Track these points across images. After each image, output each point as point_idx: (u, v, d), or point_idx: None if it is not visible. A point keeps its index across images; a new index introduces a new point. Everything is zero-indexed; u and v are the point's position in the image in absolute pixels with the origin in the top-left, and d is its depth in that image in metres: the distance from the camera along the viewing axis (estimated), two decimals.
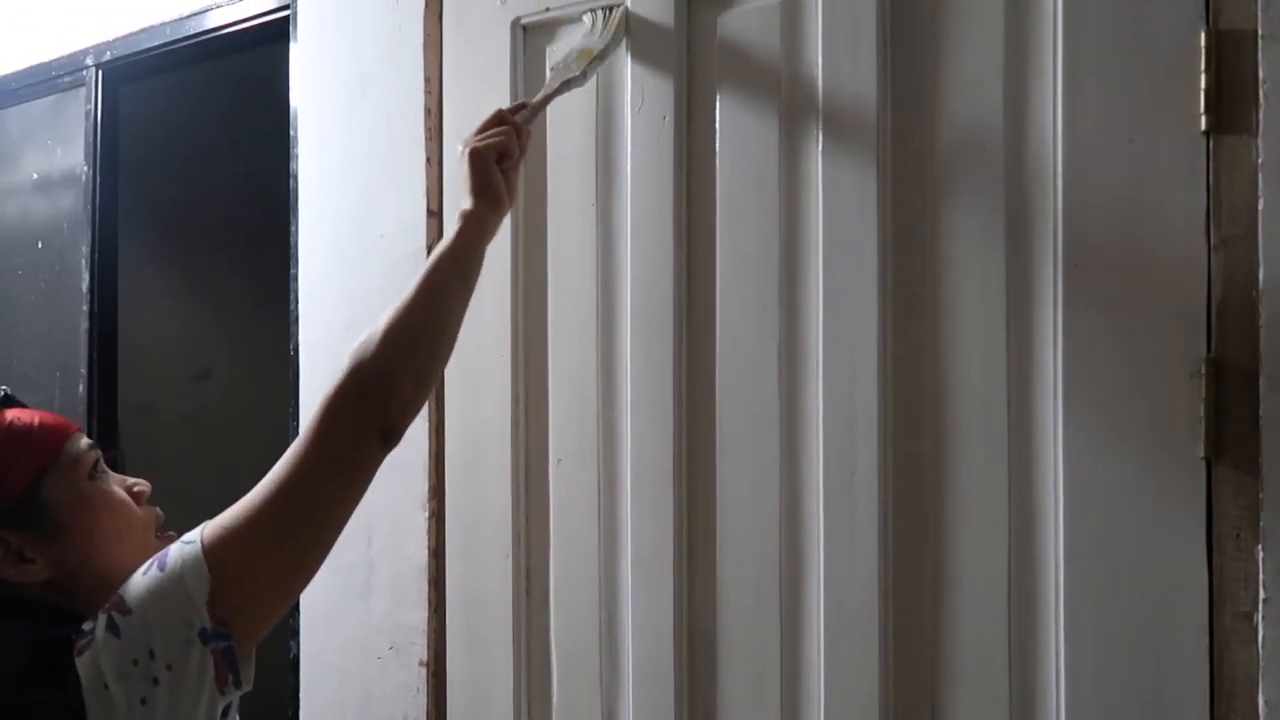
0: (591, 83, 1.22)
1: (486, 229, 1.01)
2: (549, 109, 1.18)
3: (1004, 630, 0.98)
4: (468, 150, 1.04)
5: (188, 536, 0.82)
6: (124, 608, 0.78)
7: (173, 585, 0.78)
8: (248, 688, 0.82)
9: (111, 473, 0.89)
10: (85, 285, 1.88)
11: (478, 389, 1.31)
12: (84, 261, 1.88)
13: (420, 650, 1.36)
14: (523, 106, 1.13)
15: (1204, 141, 0.91)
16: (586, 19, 1.20)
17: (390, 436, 0.88)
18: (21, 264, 2.04)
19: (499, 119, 1.07)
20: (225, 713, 0.81)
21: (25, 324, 2.04)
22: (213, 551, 0.79)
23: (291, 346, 1.52)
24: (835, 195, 1.07)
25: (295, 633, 1.50)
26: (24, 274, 2.04)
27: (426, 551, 1.36)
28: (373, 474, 0.88)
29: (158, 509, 0.93)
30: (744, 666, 1.13)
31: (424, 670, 1.36)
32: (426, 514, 1.36)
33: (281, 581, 0.84)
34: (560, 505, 1.26)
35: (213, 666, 0.78)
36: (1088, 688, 0.94)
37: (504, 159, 1.04)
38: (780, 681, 1.10)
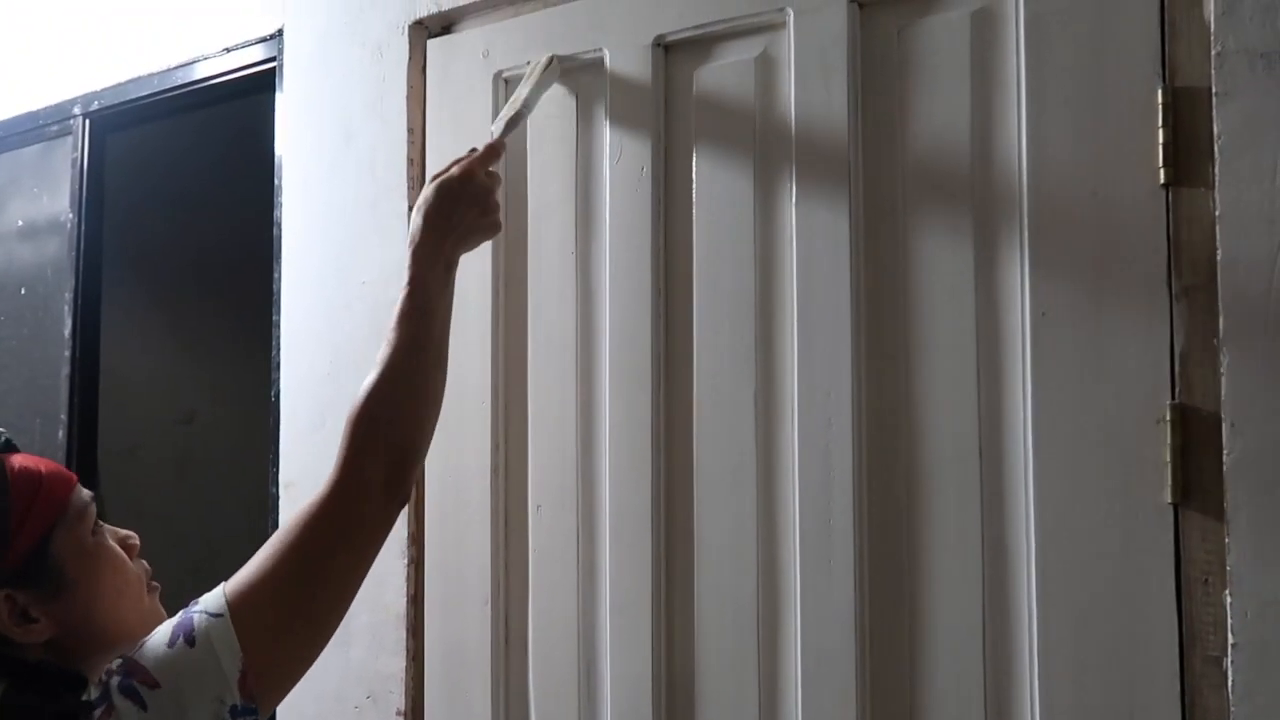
0: (571, 134, 1.25)
1: (436, 264, 1.02)
2: (531, 164, 1.20)
3: (979, 675, 0.98)
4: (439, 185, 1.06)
5: (210, 605, 0.80)
6: (149, 679, 0.76)
7: (207, 661, 0.77)
8: None
9: (106, 526, 0.87)
10: (68, 331, 1.88)
11: (458, 435, 1.31)
12: (67, 307, 1.89)
13: (398, 699, 1.35)
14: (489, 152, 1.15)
15: (1164, 194, 0.93)
16: (527, 68, 1.24)
17: (407, 499, 0.92)
18: (4, 310, 2.04)
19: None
20: None
21: (7, 370, 2.03)
22: (243, 629, 0.78)
23: (273, 392, 1.52)
24: (809, 245, 1.09)
25: None
26: (6, 320, 2.04)
27: (405, 599, 1.35)
28: (387, 535, 0.91)
29: (145, 563, 0.91)
30: (722, 715, 1.12)
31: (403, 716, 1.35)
32: (405, 561, 1.35)
33: (308, 651, 0.85)
34: (539, 552, 1.26)
35: None
36: None
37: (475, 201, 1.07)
38: None
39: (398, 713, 1.35)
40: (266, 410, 1.54)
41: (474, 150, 1.12)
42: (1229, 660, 0.87)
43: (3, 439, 0.84)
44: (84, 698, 0.76)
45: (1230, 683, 0.87)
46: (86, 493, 0.86)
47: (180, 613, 0.81)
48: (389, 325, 0.97)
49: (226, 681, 0.76)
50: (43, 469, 0.83)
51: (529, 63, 1.25)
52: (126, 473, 2.62)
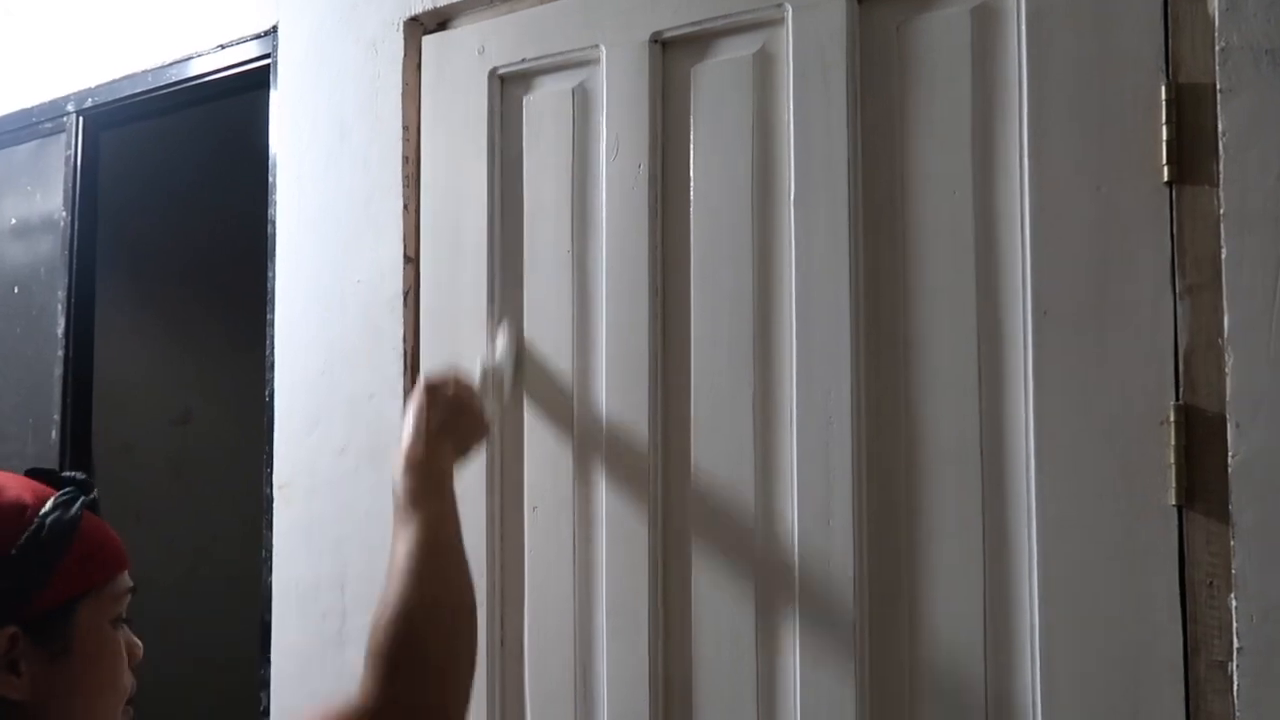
0: (567, 132, 1.24)
1: (430, 462, 0.98)
2: (527, 162, 1.19)
3: (980, 679, 0.97)
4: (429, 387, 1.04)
5: None
6: None
7: None
8: None
9: (125, 626, 0.84)
10: (60, 330, 1.87)
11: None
12: (60, 306, 1.87)
13: None
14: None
15: (1167, 192, 0.92)
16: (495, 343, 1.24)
17: None
18: None
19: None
20: None
21: (0, 368, 2.02)
22: None
23: (267, 391, 1.51)
24: (808, 243, 1.08)
25: (266, 684, 1.47)
26: None
27: None
28: None
29: (134, 680, 0.85)
30: (720, 717, 1.11)
31: None
32: None
33: None
34: (535, 554, 1.25)
35: None
36: None
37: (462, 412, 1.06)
38: None
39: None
40: (261, 410, 1.53)
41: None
42: (1234, 665, 0.86)
43: (93, 495, 0.81)
44: None
45: (1235, 688, 0.86)
46: (129, 582, 0.83)
47: None
48: (391, 546, 0.90)
49: None
50: (108, 540, 0.81)
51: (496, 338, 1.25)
52: (121, 473, 2.61)
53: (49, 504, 0.77)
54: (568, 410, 1.23)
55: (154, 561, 2.72)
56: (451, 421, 1.03)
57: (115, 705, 0.81)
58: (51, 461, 1.87)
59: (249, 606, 1.57)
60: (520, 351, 1.24)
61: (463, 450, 1.05)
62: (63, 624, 0.76)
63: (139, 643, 0.84)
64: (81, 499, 0.78)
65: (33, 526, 0.74)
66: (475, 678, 0.85)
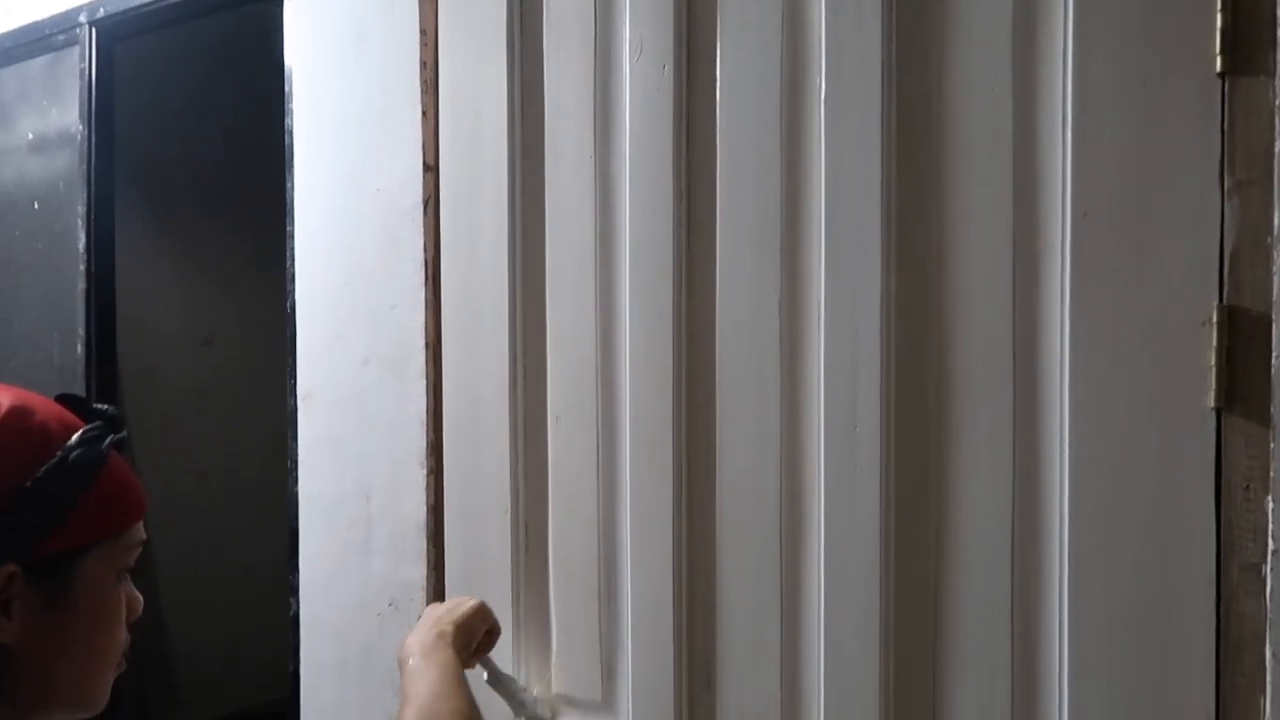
0: (589, 31, 1.20)
1: (455, 660, 0.98)
2: (548, 65, 1.15)
3: (1007, 583, 0.97)
4: (482, 603, 1.09)
5: None
6: None
7: None
8: None
9: (129, 579, 0.78)
10: (81, 245, 1.87)
11: (475, 347, 1.29)
12: (80, 221, 1.87)
13: (420, 606, 1.35)
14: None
15: (1219, 84, 0.88)
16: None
17: None
18: (19, 225, 2.03)
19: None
20: None
21: (25, 286, 2.03)
22: None
23: (289, 304, 1.50)
24: (838, 144, 1.05)
25: (295, 590, 1.50)
26: (21, 235, 2.03)
27: (425, 509, 1.35)
28: None
29: (128, 636, 0.79)
30: (744, 623, 1.12)
31: None
32: (425, 471, 1.35)
33: None
34: (558, 463, 1.25)
35: None
36: (1092, 641, 0.92)
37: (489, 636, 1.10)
38: (780, 638, 1.09)
39: (418, 618, 1.35)
40: (283, 327, 1.53)
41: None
42: (1268, 567, 0.85)
43: (122, 434, 0.75)
44: None
45: (1269, 589, 0.85)
46: (143, 534, 0.77)
47: None
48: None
49: None
50: (130, 486, 0.75)
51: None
52: (147, 395, 2.64)
53: (76, 437, 0.70)
54: (590, 319, 1.21)
55: (182, 479, 2.77)
56: (481, 636, 1.08)
57: (106, 662, 0.75)
58: (78, 376, 1.89)
59: (277, 519, 1.59)
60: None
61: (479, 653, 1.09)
62: (68, 571, 0.70)
63: (140, 598, 0.79)
64: (110, 437, 0.72)
65: (55, 459, 0.68)
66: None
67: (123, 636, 0.76)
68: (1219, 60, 0.88)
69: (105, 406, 0.75)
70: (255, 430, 2.58)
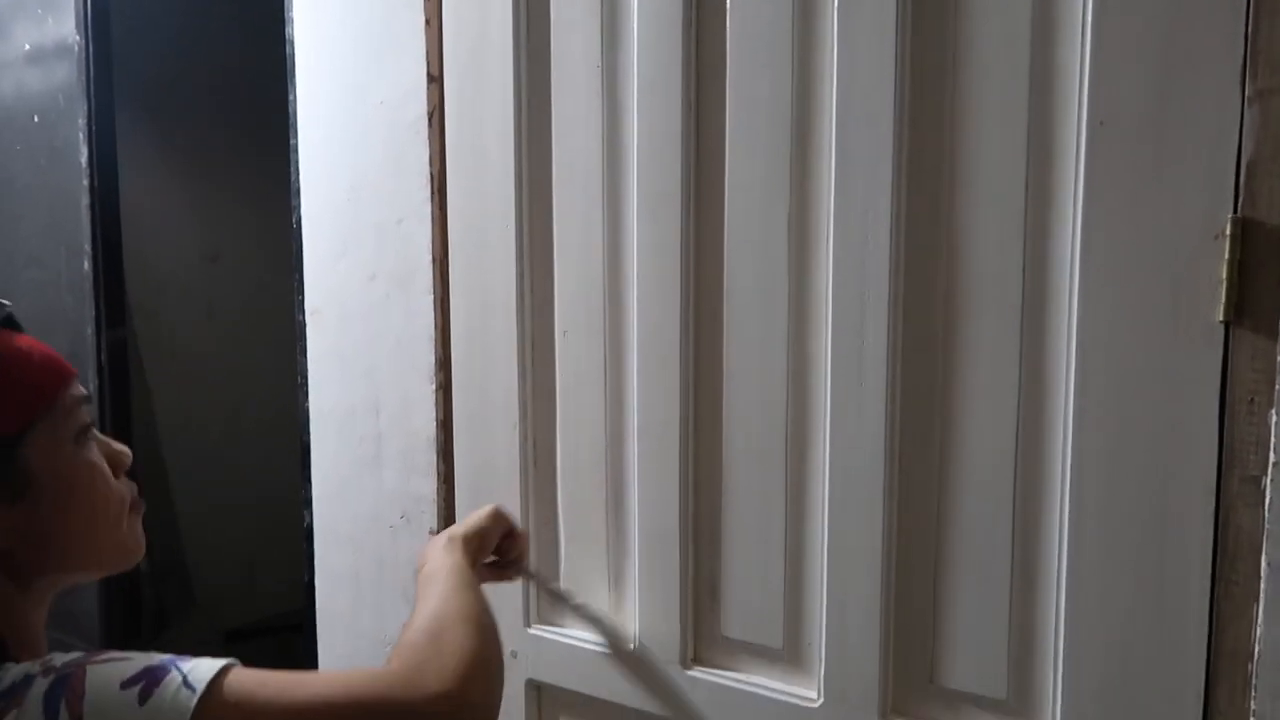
0: None
1: (467, 561, 0.98)
2: None
3: (1009, 491, 0.98)
4: (497, 509, 1.09)
5: (196, 674, 0.64)
6: (77, 709, 0.61)
7: None
8: None
9: (98, 436, 0.77)
10: (84, 160, 1.85)
11: (483, 261, 1.29)
12: (81, 136, 1.85)
13: (430, 519, 1.38)
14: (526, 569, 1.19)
15: None
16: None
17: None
18: (20, 140, 2.01)
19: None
20: None
21: (29, 202, 2.02)
22: None
23: (294, 219, 1.50)
24: (851, 50, 1.02)
25: (309, 503, 1.53)
26: (23, 151, 2.01)
27: (434, 424, 1.36)
28: None
29: (134, 484, 0.80)
30: (749, 535, 1.14)
31: None
32: (434, 386, 1.36)
33: None
34: (566, 377, 1.26)
35: None
36: (1091, 547, 0.94)
37: (509, 540, 1.11)
38: (785, 549, 1.11)
39: (430, 532, 1.38)
40: (289, 243, 1.52)
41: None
42: (1268, 479, 0.86)
43: (4, 312, 0.73)
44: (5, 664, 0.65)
45: (1267, 501, 0.86)
46: (82, 391, 0.75)
47: (165, 658, 0.66)
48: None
49: None
50: (36, 355, 0.72)
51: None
52: (156, 310, 2.65)
53: None
54: (597, 232, 1.20)
55: (194, 394, 2.80)
56: (496, 540, 1.09)
57: (113, 519, 0.76)
58: (86, 293, 1.89)
59: (288, 433, 1.61)
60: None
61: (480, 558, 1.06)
62: (12, 462, 0.69)
63: (122, 448, 0.78)
64: None
65: None
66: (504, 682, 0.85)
67: (116, 489, 0.76)
68: None
69: None
70: (263, 345, 2.60)
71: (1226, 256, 0.86)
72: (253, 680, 0.65)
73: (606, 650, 1.24)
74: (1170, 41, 0.88)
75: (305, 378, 1.51)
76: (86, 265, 1.88)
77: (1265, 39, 0.85)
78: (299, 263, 1.50)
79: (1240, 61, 0.86)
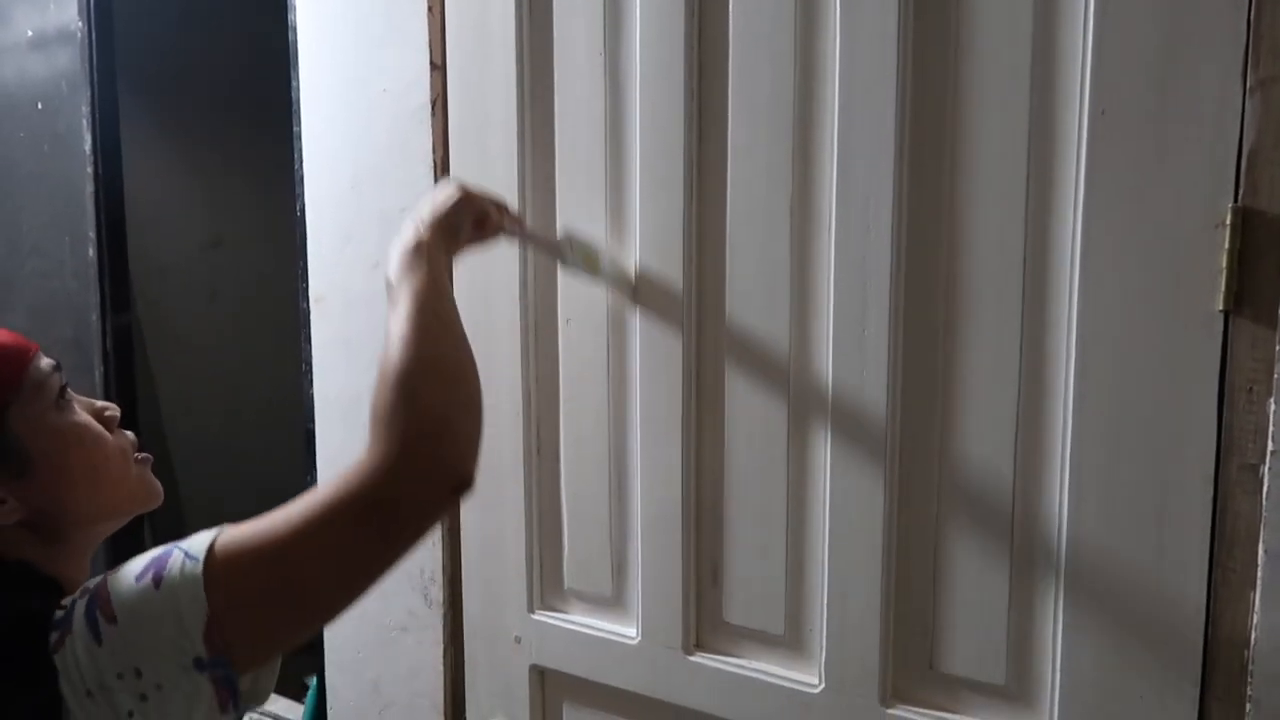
0: None
1: (447, 264, 0.90)
2: None
3: (1009, 479, 0.99)
4: (461, 190, 0.96)
5: (195, 546, 0.69)
6: (109, 610, 0.67)
7: (165, 608, 0.66)
8: (259, 700, 0.74)
9: (78, 397, 0.81)
10: (88, 147, 1.85)
11: (486, 250, 1.29)
12: (85, 122, 1.85)
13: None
14: (520, 224, 1.09)
15: None
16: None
17: (468, 485, 0.74)
18: (23, 127, 2.01)
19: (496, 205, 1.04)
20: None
21: (32, 189, 2.02)
22: (213, 581, 0.67)
23: (298, 207, 1.50)
24: (852, 37, 1.02)
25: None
26: (26, 137, 2.01)
27: None
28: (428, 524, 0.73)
29: (130, 434, 0.84)
30: (750, 521, 1.15)
31: (439, 525, 1.39)
32: None
33: (296, 627, 0.71)
34: (570, 366, 1.26)
35: (211, 691, 0.68)
36: (1090, 533, 0.95)
37: (480, 225, 1.00)
38: (786, 534, 1.12)
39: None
40: (291, 230, 1.53)
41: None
42: (1266, 467, 0.87)
43: None
44: (53, 612, 0.69)
45: (1265, 489, 0.86)
46: (47, 363, 0.78)
47: (166, 545, 0.71)
48: (388, 328, 0.80)
49: (187, 632, 0.66)
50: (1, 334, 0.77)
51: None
52: (159, 297, 2.65)
53: None
54: (600, 219, 1.21)
55: (197, 380, 2.81)
56: (465, 230, 0.96)
57: (117, 471, 0.80)
58: (91, 280, 1.90)
59: (289, 418, 1.62)
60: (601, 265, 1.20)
61: (459, 249, 0.97)
62: (3, 444, 0.74)
63: (105, 404, 0.82)
64: None
65: None
66: (483, 436, 0.80)
67: (112, 442, 0.80)
68: None
69: None
70: (266, 331, 2.60)
71: (1226, 245, 0.87)
72: (243, 533, 0.69)
73: (610, 635, 1.25)
74: (1172, 30, 0.88)
75: (310, 365, 1.52)
76: (91, 252, 1.88)
77: (1267, 27, 0.85)
78: (303, 250, 1.50)
79: (1242, 50, 0.86)
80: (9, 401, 0.74)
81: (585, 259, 1.18)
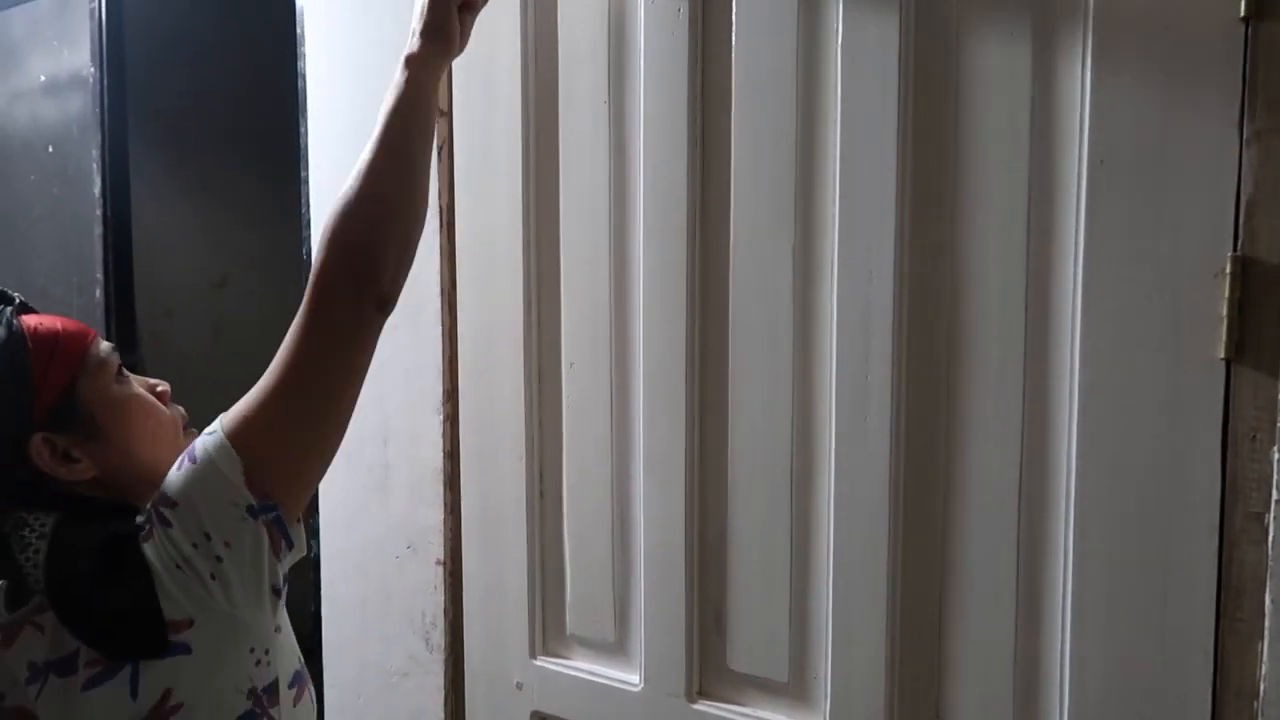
0: None
1: (434, 74, 0.94)
2: (562, 10, 1.14)
3: (1013, 526, 0.98)
4: None
5: (209, 429, 0.84)
6: (168, 501, 0.81)
7: (208, 471, 0.81)
8: (302, 551, 0.87)
9: (133, 375, 0.91)
10: (97, 190, 1.87)
11: (490, 293, 1.30)
12: (95, 165, 1.87)
13: (438, 549, 1.39)
14: None
15: (1242, 28, 0.87)
16: None
17: (387, 304, 0.88)
18: (34, 169, 2.03)
19: None
20: (284, 579, 0.87)
21: (41, 231, 2.04)
22: (235, 436, 0.82)
23: (304, 250, 1.51)
24: (855, 89, 1.04)
25: (316, 532, 1.53)
26: (37, 179, 2.03)
27: (442, 454, 1.37)
28: (375, 339, 0.88)
29: (181, 408, 0.96)
30: (754, 567, 1.14)
31: (441, 569, 1.39)
32: (441, 417, 1.37)
33: (309, 451, 0.86)
34: (573, 408, 1.26)
35: (267, 536, 0.82)
36: (1095, 585, 0.94)
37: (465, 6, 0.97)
38: (790, 580, 1.12)
39: (437, 562, 1.39)
40: (299, 272, 1.53)
41: None
42: (1271, 516, 0.86)
43: (17, 301, 0.87)
44: (137, 521, 0.82)
45: (1271, 538, 0.86)
46: (106, 345, 0.89)
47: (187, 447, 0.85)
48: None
49: (232, 484, 0.80)
50: (59, 326, 0.87)
51: None
52: (164, 336, 2.66)
53: None
54: (604, 265, 1.22)
55: (201, 418, 2.81)
56: (455, 14, 0.96)
57: (171, 436, 0.91)
58: (97, 321, 1.91)
59: None
60: None
61: (447, 54, 0.97)
62: (74, 409, 0.85)
63: (157, 380, 0.94)
64: (8, 309, 0.85)
65: None
66: (410, 261, 0.91)
67: (167, 413, 0.93)
68: (1243, 4, 0.86)
69: None
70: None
71: (1227, 294, 0.87)
72: (241, 401, 0.84)
73: (612, 682, 1.24)
74: (1171, 81, 0.90)
75: None
76: (98, 294, 1.90)
77: (1263, 80, 0.86)
78: None
79: (1238, 102, 0.87)
80: (77, 375, 0.85)
81: None
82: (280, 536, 0.83)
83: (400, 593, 1.44)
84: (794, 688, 1.13)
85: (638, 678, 1.22)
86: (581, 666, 1.28)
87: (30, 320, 0.86)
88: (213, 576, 0.80)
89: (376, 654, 1.47)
